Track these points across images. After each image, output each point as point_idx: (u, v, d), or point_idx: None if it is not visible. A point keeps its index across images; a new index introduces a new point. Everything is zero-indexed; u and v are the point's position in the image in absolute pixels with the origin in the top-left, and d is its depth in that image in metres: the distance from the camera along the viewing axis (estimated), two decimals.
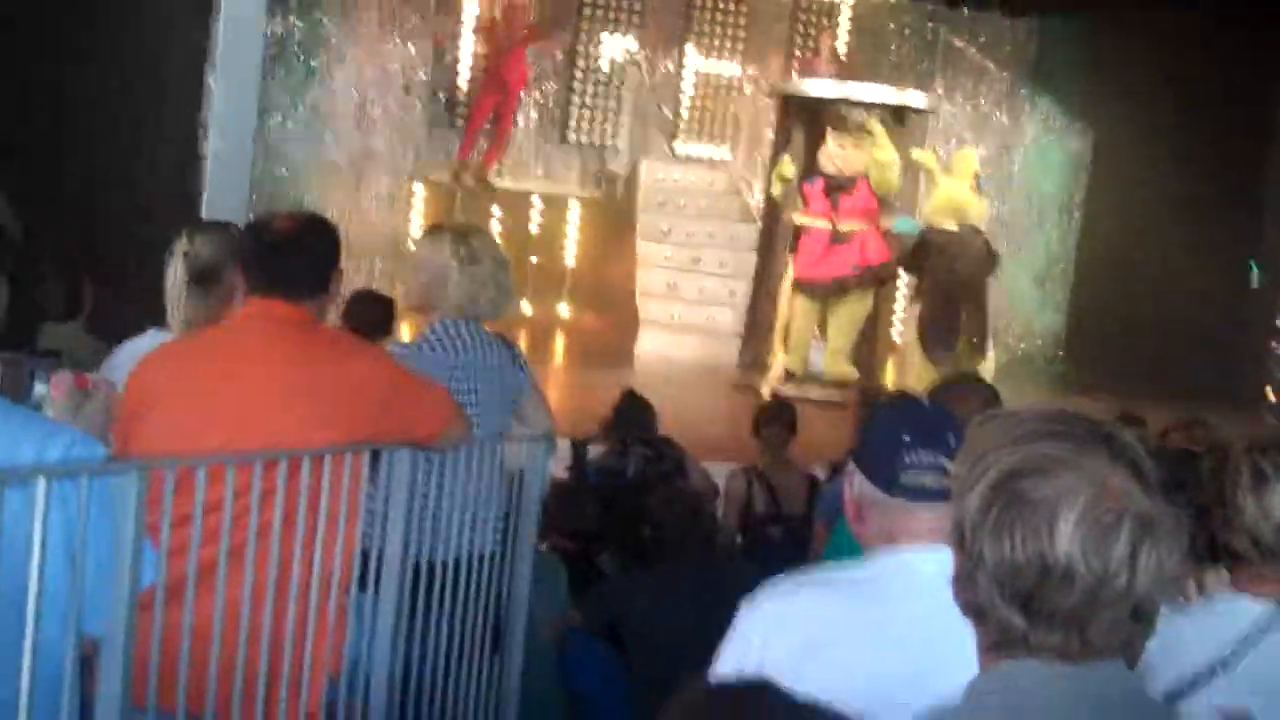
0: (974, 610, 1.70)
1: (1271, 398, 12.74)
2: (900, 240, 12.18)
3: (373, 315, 6.65)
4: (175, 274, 4.02)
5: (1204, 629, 2.58)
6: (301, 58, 13.08)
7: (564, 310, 14.64)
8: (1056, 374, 15.32)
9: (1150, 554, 1.63)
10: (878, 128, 11.86)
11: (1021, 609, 1.65)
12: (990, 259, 12.30)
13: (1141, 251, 14.47)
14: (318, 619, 3.37)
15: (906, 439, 2.49)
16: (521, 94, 14.45)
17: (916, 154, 12.40)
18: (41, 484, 2.46)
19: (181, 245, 4.02)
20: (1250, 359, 12.94)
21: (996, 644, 1.69)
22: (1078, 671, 1.66)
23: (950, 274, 11.89)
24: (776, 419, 6.69)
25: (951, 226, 11.97)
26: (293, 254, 3.51)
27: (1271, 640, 2.63)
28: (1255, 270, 13.15)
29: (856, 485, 2.55)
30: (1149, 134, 14.28)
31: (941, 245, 11.91)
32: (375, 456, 3.65)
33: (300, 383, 3.40)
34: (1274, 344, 12.80)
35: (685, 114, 15.36)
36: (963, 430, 2.55)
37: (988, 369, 11.52)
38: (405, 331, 7.49)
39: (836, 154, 11.73)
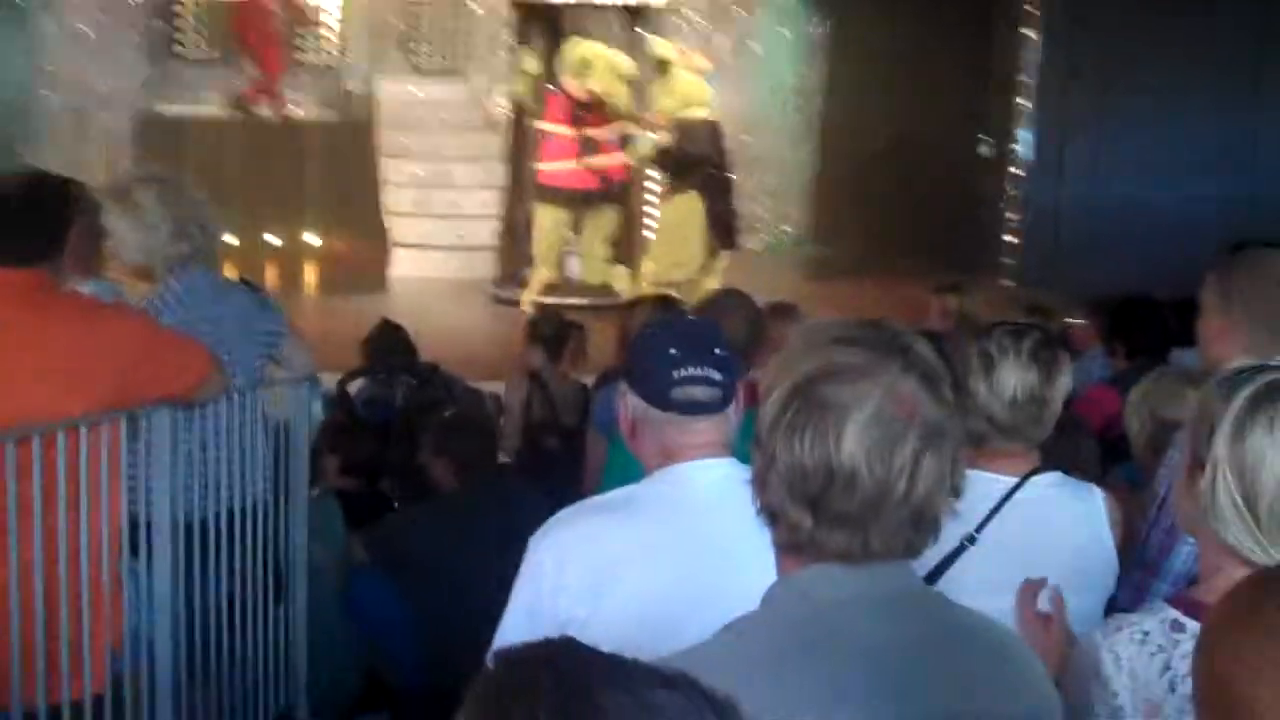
0: (768, 511, 1.72)
1: (1009, 263, 13.26)
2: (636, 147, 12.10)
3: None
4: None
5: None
6: None
7: (312, 238, 14.33)
8: (807, 258, 15.63)
9: (932, 462, 1.67)
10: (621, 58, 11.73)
11: (810, 510, 1.67)
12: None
13: (879, 130, 14.79)
14: (91, 591, 3.31)
15: (675, 354, 2.50)
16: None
17: (658, 44, 12.05)
18: None
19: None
20: (987, 229, 13.42)
21: (788, 545, 1.73)
22: (863, 574, 1.69)
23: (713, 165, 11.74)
24: (542, 335, 6.60)
25: (693, 115, 11.70)
26: (17, 217, 3.38)
27: (1012, 510, 2.81)
28: (985, 143, 13.60)
29: (630, 404, 2.56)
30: (881, 14, 14.53)
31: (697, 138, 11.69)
32: (133, 420, 3.54)
33: (46, 351, 3.29)
34: (1008, 214, 13.28)
35: (419, 26, 15.10)
36: (726, 340, 2.62)
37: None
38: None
39: (574, 82, 11.41)
